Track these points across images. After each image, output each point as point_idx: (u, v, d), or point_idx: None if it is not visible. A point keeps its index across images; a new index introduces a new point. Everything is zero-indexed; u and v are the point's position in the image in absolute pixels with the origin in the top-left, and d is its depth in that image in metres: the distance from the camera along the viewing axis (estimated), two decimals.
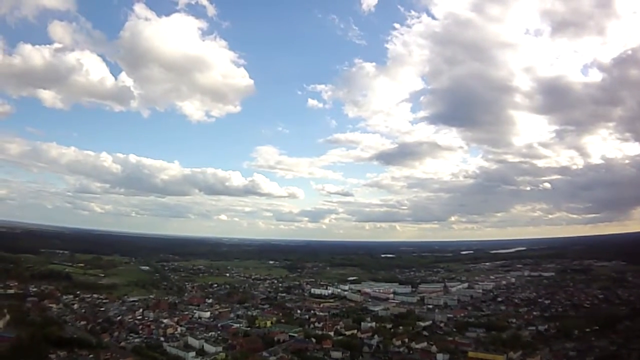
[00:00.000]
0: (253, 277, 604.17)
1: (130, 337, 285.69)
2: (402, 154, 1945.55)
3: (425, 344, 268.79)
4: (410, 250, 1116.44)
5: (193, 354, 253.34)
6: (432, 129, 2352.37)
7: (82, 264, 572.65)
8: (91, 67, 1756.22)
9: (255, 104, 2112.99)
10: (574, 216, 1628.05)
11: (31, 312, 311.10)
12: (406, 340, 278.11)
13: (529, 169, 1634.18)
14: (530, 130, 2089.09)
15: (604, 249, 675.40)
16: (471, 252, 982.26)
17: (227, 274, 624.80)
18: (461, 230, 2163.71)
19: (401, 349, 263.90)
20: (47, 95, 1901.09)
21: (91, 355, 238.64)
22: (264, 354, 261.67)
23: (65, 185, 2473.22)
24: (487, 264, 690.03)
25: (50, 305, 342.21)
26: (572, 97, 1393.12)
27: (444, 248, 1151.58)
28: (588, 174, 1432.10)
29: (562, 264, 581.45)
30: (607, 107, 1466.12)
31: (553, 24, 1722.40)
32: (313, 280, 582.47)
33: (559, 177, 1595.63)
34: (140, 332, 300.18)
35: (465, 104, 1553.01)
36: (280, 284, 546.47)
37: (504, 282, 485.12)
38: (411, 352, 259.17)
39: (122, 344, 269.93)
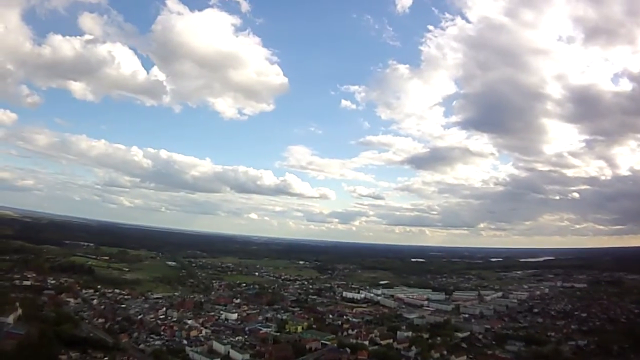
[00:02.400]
0: (283, 277, 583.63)
1: (151, 339, 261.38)
2: (433, 159, 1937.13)
3: (464, 357, 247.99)
4: (440, 255, 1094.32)
5: None
6: (463, 134, 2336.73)
7: (106, 257, 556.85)
8: (122, 60, 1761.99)
9: (289, 102, 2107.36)
10: (601, 227, 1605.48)
11: (46, 306, 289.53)
12: (445, 352, 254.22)
13: (558, 178, 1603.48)
14: (560, 138, 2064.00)
15: (632, 261, 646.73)
16: (500, 259, 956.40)
17: (256, 273, 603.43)
18: (489, 237, 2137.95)
19: None
20: (77, 87, 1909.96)
21: (106, 358, 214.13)
22: None
23: (94, 178, 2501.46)
24: (518, 272, 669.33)
25: (68, 299, 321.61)
26: (602, 106, 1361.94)
27: (473, 254, 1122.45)
28: (615, 185, 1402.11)
29: (592, 275, 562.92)
30: (636, 117, 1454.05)
31: (585, 31, 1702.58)
32: (344, 282, 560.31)
33: (587, 187, 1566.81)
34: (162, 333, 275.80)
35: (497, 110, 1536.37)
36: (310, 286, 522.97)
37: (537, 292, 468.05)
38: None
39: (141, 346, 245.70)
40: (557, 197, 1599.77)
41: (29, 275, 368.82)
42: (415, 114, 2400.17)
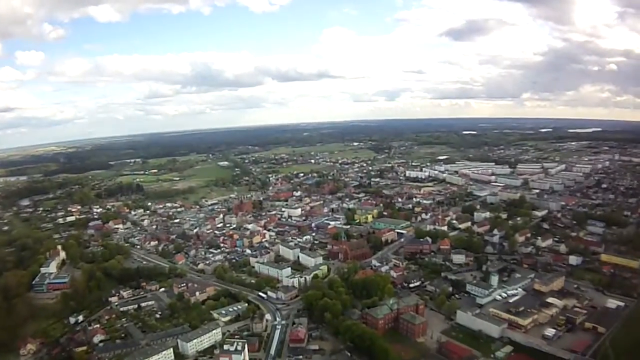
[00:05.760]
0: (340, 161, 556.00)
1: (210, 254, 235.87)
2: (469, 30, 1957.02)
3: (550, 241, 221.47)
4: (490, 127, 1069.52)
5: (288, 270, 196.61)
6: (496, 4, 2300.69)
7: (154, 170, 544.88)
8: None
9: None
10: None
11: (92, 240, 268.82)
12: (529, 235, 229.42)
13: (595, 49, 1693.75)
14: (593, 10, 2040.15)
15: None
16: (550, 130, 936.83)
17: (312, 161, 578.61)
18: (534, 107, 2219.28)
19: (529, 249, 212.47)
20: (100, 11, 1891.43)
21: (162, 289, 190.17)
22: (374, 262, 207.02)
23: (135, 93, 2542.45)
24: (572, 143, 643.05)
25: (116, 226, 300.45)
26: None
27: (521, 125, 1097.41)
28: None
29: None
30: None
31: None
32: (404, 161, 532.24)
33: (623, 59, 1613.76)
34: (222, 245, 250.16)
35: None
36: (370, 168, 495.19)
37: (599, 166, 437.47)
38: (540, 252, 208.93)
39: (200, 265, 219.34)
40: (596, 68, 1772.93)
41: (73, 210, 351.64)
42: None
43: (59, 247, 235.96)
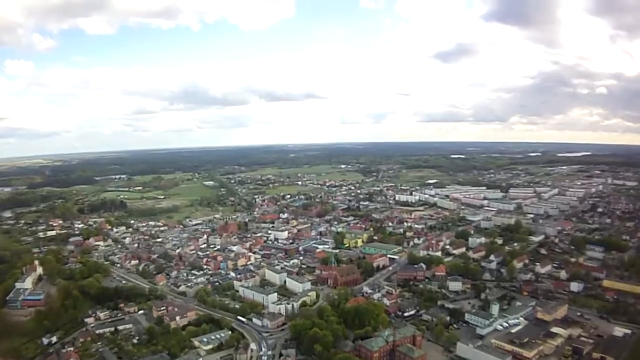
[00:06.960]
0: (327, 184, 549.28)
1: (192, 276, 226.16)
2: (458, 52, 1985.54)
3: (550, 267, 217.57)
4: (479, 150, 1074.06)
5: (274, 296, 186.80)
6: (487, 27, 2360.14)
7: (139, 187, 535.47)
8: None
9: (308, 6, 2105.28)
10: (629, 124, 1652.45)
11: (71, 257, 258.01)
12: (527, 261, 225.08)
13: (585, 72, 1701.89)
14: (583, 32, 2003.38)
15: None
16: (539, 154, 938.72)
17: (299, 182, 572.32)
18: (522, 131, 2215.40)
19: (528, 275, 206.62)
20: (90, 23, 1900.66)
21: (141, 311, 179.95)
22: (365, 288, 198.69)
23: (122, 108, 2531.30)
24: (563, 167, 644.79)
25: (97, 243, 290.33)
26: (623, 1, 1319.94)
27: (509, 149, 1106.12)
28: None
29: (639, 173, 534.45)
30: None
31: None
32: (393, 184, 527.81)
33: (613, 82, 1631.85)
34: (205, 266, 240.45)
35: (519, 1, 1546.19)
36: (359, 191, 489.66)
37: (593, 190, 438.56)
38: (539, 279, 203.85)
39: (182, 287, 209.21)
40: (585, 91, 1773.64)
41: (54, 224, 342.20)
42: (436, 7, 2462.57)
43: (37, 262, 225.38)
